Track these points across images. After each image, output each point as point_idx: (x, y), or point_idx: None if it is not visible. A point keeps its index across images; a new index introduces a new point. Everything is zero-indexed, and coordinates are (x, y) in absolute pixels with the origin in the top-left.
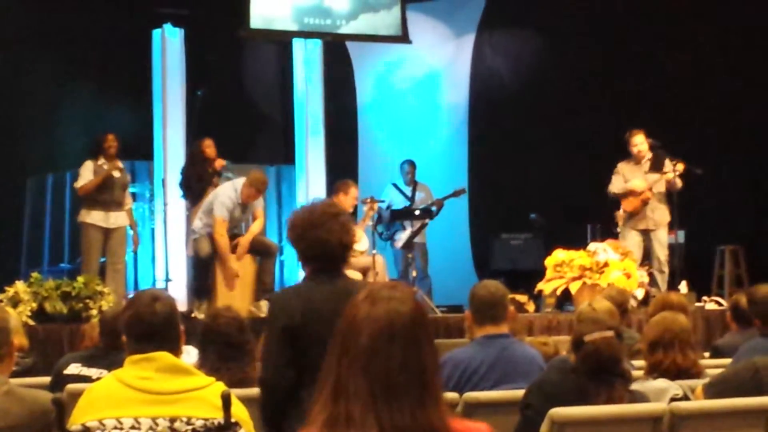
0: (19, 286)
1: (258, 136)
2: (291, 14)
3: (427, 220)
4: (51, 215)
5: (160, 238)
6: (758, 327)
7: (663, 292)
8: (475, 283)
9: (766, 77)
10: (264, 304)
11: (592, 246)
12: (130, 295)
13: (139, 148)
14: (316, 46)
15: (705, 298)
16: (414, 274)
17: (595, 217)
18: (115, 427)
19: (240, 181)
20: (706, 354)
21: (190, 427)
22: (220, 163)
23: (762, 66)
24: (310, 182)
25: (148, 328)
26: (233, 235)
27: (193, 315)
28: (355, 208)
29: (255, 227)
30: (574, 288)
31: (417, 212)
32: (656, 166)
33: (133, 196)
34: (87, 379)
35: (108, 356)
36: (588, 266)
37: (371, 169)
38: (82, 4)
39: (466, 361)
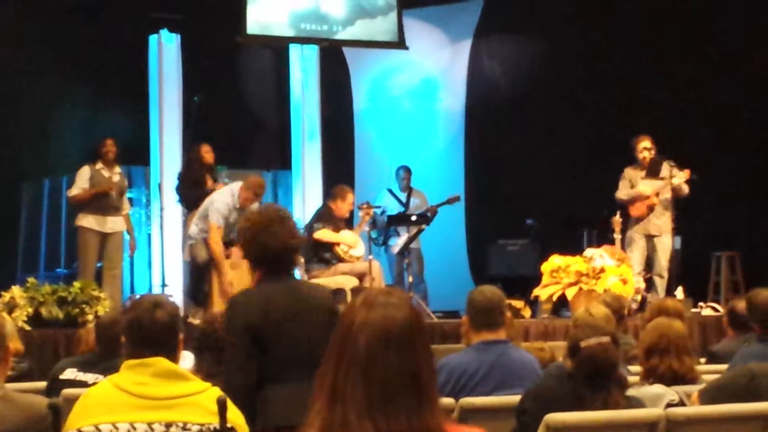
0: (16, 290)
1: (255, 142)
2: (288, 20)
3: (423, 226)
4: (47, 220)
5: (156, 244)
6: (756, 332)
7: (659, 298)
8: (472, 288)
9: (763, 83)
10: None
11: (589, 252)
12: (129, 300)
13: (135, 154)
14: (312, 51)
15: (701, 304)
16: (410, 279)
17: (591, 223)
18: None
19: (237, 186)
20: (702, 360)
21: None
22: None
23: (760, 71)
24: (307, 187)
25: (146, 333)
26: (231, 241)
27: (189, 320)
28: (352, 213)
29: None
30: (570, 294)
31: (414, 218)
32: (653, 172)
33: (130, 201)
34: (83, 384)
35: (104, 361)
36: (584, 272)
37: (367, 174)
38: (78, 10)
39: (463, 366)
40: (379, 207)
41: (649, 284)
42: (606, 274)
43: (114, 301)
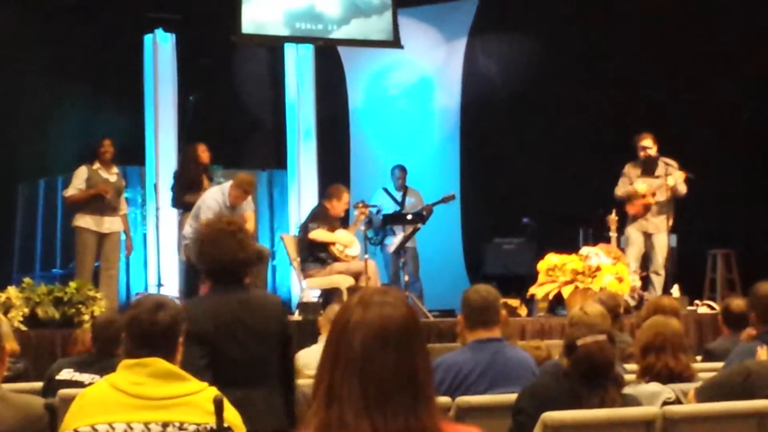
0: (11, 291)
1: (250, 141)
2: (283, 19)
3: (419, 225)
4: (43, 220)
5: (152, 244)
6: (755, 326)
7: (655, 296)
8: (468, 287)
9: (760, 82)
10: None
11: (585, 250)
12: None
13: (131, 154)
14: (307, 50)
15: (697, 301)
16: (406, 278)
17: (587, 221)
18: None
19: (228, 185)
20: (698, 358)
21: None
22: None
23: (757, 70)
24: (302, 187)
25: (145, 334)
26: None
27: None
28: (347, 212)
29: None
30: (566, 292)
31: (409, 217)
32: (649, 170)
33: (126, 201)
34: (79, 385)
35: (100, 361)
36: (580, 270)
37: (363, 173)
38: (73, 10)
39: (459, 365)
40: (374, 206)
41: (646, 282)
42: (602, 273)
43: (110, 301)
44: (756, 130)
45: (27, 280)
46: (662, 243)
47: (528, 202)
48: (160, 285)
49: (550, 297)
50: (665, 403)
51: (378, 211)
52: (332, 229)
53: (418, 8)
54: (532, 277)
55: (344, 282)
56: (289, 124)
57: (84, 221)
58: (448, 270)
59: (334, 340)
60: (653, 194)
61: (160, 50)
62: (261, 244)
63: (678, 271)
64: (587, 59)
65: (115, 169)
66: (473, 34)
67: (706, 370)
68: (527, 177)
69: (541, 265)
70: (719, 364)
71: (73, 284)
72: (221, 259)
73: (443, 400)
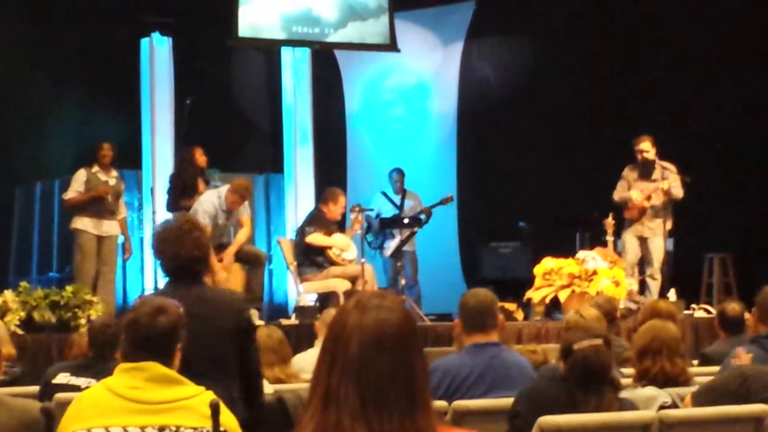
0: (8, 295)
1: (246, 145)
2: (279, 23)
3: (416, 229)
4: (39, 224)
5: (149, 247)
6: (755, 322)
7: (652, 300)
8: (464, 291)
9: (758, 86)
10: (254, 313)
11: (581, 254)
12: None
13: (127, 157)
14: (304, 54)
15: (694, 305)
16: (403, 282)
17: (584, 224)
18: None
19: (224, 189)
20: (695, 362)
21: None
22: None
23: (755, 75)
24: (299, 190)
25: (143, 337)
26: (221, 244)
27: None
28: (344, 216)
29: (241, 236)
30: (563, 296)
31: (406, 221)
32: (645, 174)
33: (124, 204)
34: (76, 389)
35: (97, 365)
36: (577, 274)
37: (360, 177)
38: (70, 13)
39: (456, 369)
40: (371, 210)
41: (642, 286)
42: (598, 277)
43: (107, 304)
44: (752, 132)
45: (23, 283)
46: (658, 247)
47: (525, 205)
48: (156, 289)
49: (547, 301)
50: (662, 408)
51: (377, 215)
52: (329, 233)
53: (414, 12)
54: (528, 281)
55: (341, 286)
56: (286, 127)
57: (83, 223)
58: (444, 274)
59: (331, 343)
60: (648, 198)
61: (157, 54)
62: (258, 247)
63: (675, 275)
64: (584, 63)
65: (114, 173)
66: (470, 37)
67: (702, 374)
68: (524, 181)
69: (538, 269)
70: (716, 368)
71: (69, 288)
72: (178, 257)
73: (440, 404)
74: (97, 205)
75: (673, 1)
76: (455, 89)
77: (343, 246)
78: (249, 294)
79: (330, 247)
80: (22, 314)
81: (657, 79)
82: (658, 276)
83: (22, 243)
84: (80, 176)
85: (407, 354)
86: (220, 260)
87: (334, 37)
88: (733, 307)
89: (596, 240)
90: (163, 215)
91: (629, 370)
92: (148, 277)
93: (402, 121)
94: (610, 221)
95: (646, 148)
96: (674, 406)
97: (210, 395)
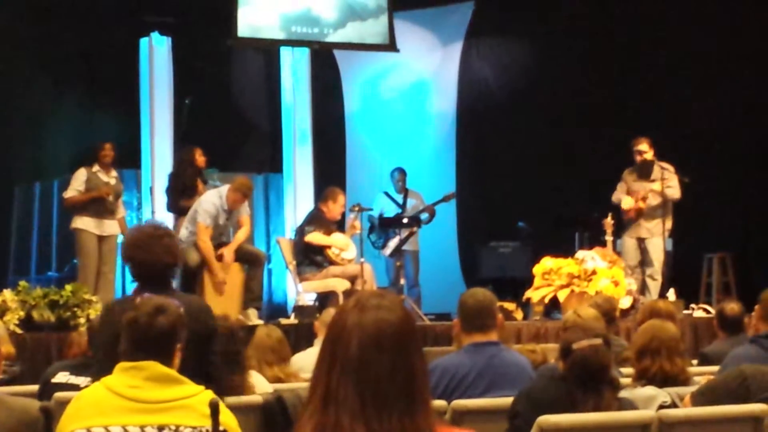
0: (7, 294)
1: (246, 145)
2: (278, 23)
3: (415, 228)
4: (38, 223)
5: None
6: (757, 320)
7: (651, 300)
8: (464, 291)
9: (756, 86)
10: (252, 313)
11: (580, 254)
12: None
13: (126, 157)
14: (303, 54)
15: (693, 305)
16: (402, 282)
17: (583, 225)
18: None
19: (225, 188)
20: (694, 361)
21: None
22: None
23: (753, 75)
24: (298, 190)
25: (142, 337)
26: (220, 244)
27: None
28: (343, 215)
29: (240, 235)
30: (562, 296)
31: (405, 220)
32: (644, 174)
33: (123, 204)
34: (75, 388)
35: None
36: (576, 274)
37: (359, 177)
38: (69, 13)
39: (455, 368)
40: (371, 209)
41: (642, 287)
42: (597, 276)
43: (106, 304)
44: (751, 132)
45: (22, 283)
46: (657, 247)
47: (524, 205)
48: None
49: (546, 301)
50: (661, 407)
51: (380, 215)
52: (328, 233)
53: (414, 12)
54: (527, 281)
55: (340, 285)
56: (285, 127)
57: (83, 223)
58: (444, 273)
59: (330, 343)
60: (644, 199)
61: (157, 54)
62: (257, 247)
63: (674, 275)
64: (584, 63)
65: (113, 173)
66: (469, 37)
67: (702, 373)
68: (523, 180)
69: (537, 269)
70: (715, 368)
71: (68, 287)
72: (148, 263)
73: (439, 403)
74: (98, 204)
75: (673, 1)
76: (454, 89)
77: (342, 245)
78: (248, 294)
79: (329, 247)
80: (21, 313)
81: (657, 79)
82: (658, 276)
83: (22, 242)
84: (80, 175)
85: (407, 353)
86: (219, 259)
87: (333, 37)
88: (732, 307)
89: (595, 240)
90: (163, 215)
91: (628, 370)
92: None
93: (401, 120)
94: (609, 221)
95: (645, 148)
96: (673, 405)
97: (209, 394)
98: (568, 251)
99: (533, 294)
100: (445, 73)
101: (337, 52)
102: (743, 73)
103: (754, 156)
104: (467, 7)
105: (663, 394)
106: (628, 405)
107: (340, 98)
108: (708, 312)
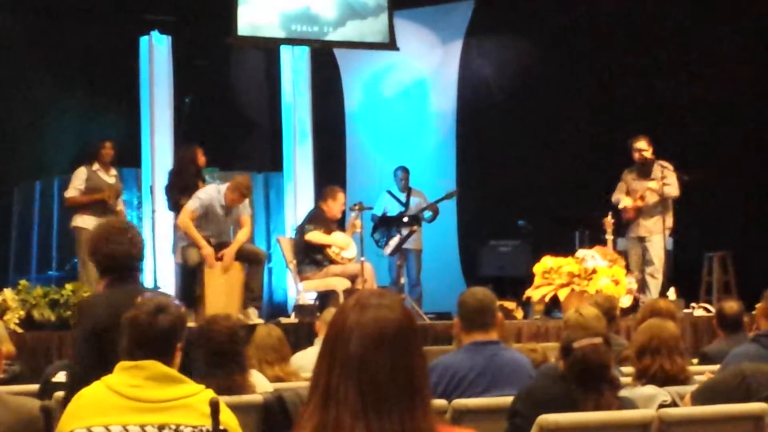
0: (7, 293)
1: (246, 143)
2: (278, 21)
3: (415, 227)
4: (39, 223)
5: (148, 246)
6: (760, 317)
7: (652, 299)
8: (464, 290)
9: (756, 84)
10: (253, 312)
11: (581, 253)
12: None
13: (126, 156)
14: (303, 52)
15: (693, 304)
16: (402, 281)
17: (583, 223)
18: None
19: (225, 186)
20: (695, 360)
21: None
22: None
23: (753, 73)
24: (298, 189)
25: (143, 336)
26: (221, 244)
27: None
28: (344, 214)
29: (241, 235)
30: (562, 295)
31: (405, 219)
32: (644, 173)
33: (123, 203)
34: None
35: None
36: (576, 273)
37: (359, 175)
38: (69, 12)
39: (455, 367)
40: (371, 208)
41: (642, 285)
42: (598, 275)
43: None
44: (751, 131)
45: (23, 282)
46: (657, 245)
47: (524, 204)
48: (156, 287)
49: (546, 299)
50: (661, 406)
51: (383, 214)
52: (329, 232)
53: (413, 10)
54: (528, 280)
55: (340, 284)
56: (285, 126)
57: (84, 221)
58: (444, 272)
59: (331, 342)
60: (642, 197)
61: (156, 52)
62: (257, 246)
63: (674, 274)
64: (583, 61)
65: (113, 171)
66: (469, 36)
67: (702, 372)
68: (523, 179)
69: (537, 268)
70: (715, 367)
71: (69, 286)
72: (115, 256)
73: (439, 402)
74: (99, 203)
75: (673, 1)
76: (454, 87)
77: (342, 244)
78: (248, 293)
79: (329, 246)
80: (22, 312)
81: (657, 79)
82: (659, 275)
83: (22, 241)
84: (81, 174)
85: (407, 352)
86: (220, 259)
87: (333, 36)
88: (731, 305)
89: (595, 239)
90: (164, 214)
91: (629, 369)
92: (148, 274)
93: (401, 119)
94: (609, 220)
95: (644, 146)
96: (674, 404)
97: (210, 393)
98: (568, 250)
99: (533, 293)
100: (446, 71)
101: (337, 51)
102: (743, 72)
103: (754, 155)
104: (467, 6)
105: (663, 393)
106: (629, 404)
107: (341, 97)
108: (708, 311)
